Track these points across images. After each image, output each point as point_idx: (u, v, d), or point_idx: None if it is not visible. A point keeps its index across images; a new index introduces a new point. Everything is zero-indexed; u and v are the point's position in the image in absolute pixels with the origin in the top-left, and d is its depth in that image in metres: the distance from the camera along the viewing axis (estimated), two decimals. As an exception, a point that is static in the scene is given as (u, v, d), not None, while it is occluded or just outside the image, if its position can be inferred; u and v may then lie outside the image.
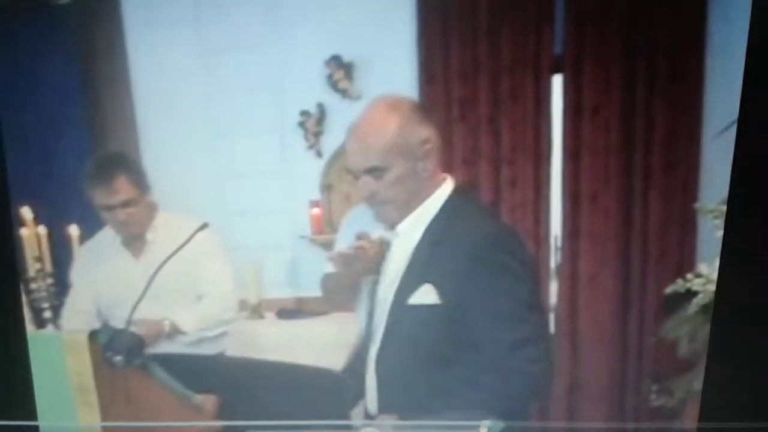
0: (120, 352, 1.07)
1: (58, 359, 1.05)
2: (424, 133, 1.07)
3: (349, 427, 1.15)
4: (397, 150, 1.06)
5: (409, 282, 1.10)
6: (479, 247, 1.08)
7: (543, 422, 1.24)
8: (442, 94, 1.24)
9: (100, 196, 1.19)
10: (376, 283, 1.15)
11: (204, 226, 1.16)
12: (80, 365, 1.05)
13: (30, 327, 1.35)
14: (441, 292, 1.08)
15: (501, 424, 1.08)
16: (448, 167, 1.18)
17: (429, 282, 1.09)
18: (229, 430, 1.13)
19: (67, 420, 1.10)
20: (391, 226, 1.11)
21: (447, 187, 1.09)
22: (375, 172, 1.05)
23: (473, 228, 1.10)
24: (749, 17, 0.95)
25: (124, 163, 1.19)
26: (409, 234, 1.13)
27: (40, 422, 1.15)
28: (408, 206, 1.10)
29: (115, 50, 1.17)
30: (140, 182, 1.19)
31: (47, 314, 1.33)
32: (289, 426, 1.12)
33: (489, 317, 1.07)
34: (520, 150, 1.27)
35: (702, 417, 1.12)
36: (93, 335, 1.06)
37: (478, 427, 1.09)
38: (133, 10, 1.16)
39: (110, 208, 1.20)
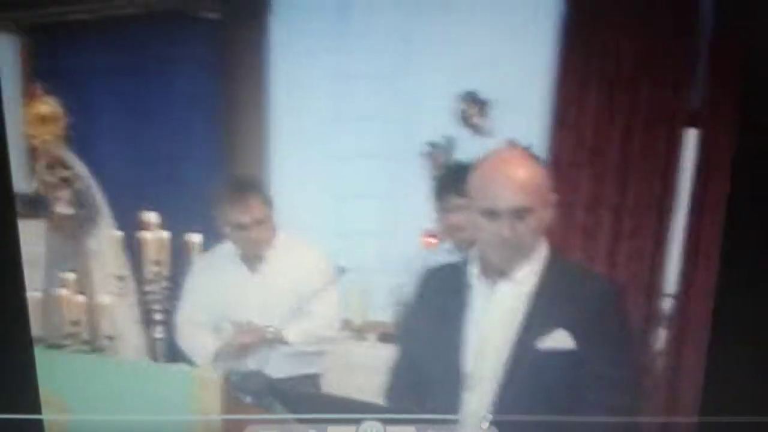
0: (250, 392, 1.10)
1: (187, 394, 1.08)
2: (549, 185, 1.06)
3: (351, 420, 1.16)
4: (536, 192, 1.05)
5: (537, 327, 1.10)
6: (599, 296, 1.07)
7: (544, 416, 1.21)
8: (573, 139, 1.23)
9: (232, 214, 1.22)
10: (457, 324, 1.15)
11: (342, 271, 1.18)
12: (210, 402, 1.08)
13: (140, 327, 1.40)
14: (574, 336, 1.07)
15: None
16: (568, 213, 1.18)
17: (561, 327, 1.08)
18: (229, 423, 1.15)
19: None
20: (502, 272, 1.11)
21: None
22: (521, 212, 1.04)
23: (592, 275, 1.09)
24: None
25: (258, 184, 1.23)
26: (524, 281, 1.11)
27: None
28: (528, 252, 1.09)
29: (255, 71, 1.20)
30: (270, 203, 1.22)
31: (158, 316, 1.37)
32: (293, 419, 1.13)
33: (607, 363, 1.06)
34: (645, 201, 1.25)
35: (702, 411, 1.10)
36: (225, 375, 1.10)
37: (479, 421, 1.09)
38: (278, 34, 1.18)
39: (242, 226, 1.22)
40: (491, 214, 1.03)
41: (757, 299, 1.07)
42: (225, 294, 1.30)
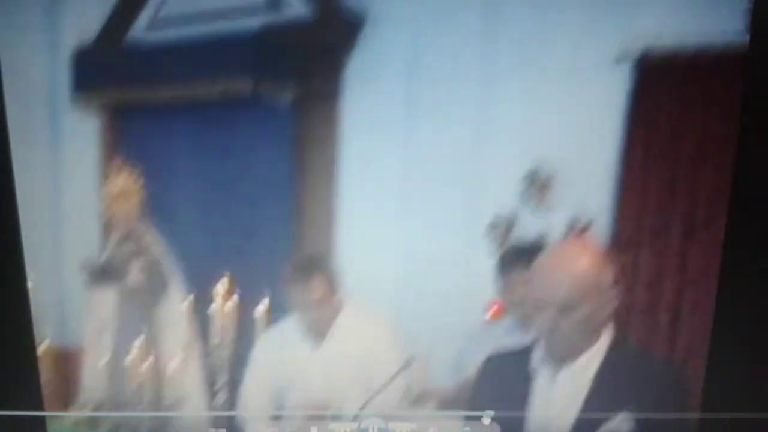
0: None
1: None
2: (610, 276, 1.08)
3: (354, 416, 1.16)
4: (587, 290, 1.07)
5: (599, 410, 1.10)
6: (661, 378, 1.08)
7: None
8: (634, 220, 1.24)
9: (295, 292, 1.26)
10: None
11: (410, 362, 1.20)
12: (351, 427, 1.11)
13: (202, 392, 1.43)
14: (638, 418, 1.08)
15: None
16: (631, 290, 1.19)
17: (624, 410, 1.09)
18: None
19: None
20: (564, 358, 1.12)
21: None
22: (563, 309, 1.06)
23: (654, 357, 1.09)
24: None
25: (323, 264, 1.26)
26: (586, 367, 1.13)
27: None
28: (587, 340, 1.11)
29: (327, 149, 1.24)
30: (334, 282, 1.25)
31: (221, 382, 1.40)
32: (293, 416, 1.13)
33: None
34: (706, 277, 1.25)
35: (703, 407, 1.10)
36: None
37: (480, 417, 1.09)
38: (350, 115, 1.22)
39: (306, 304, 1.26)
40: (539, 304, 1.05)
41: (759, 290, 1.06)
42: (288, 368, 1.33)
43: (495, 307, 1.33)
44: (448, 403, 1.40)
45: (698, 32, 1.15)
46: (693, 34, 1.16)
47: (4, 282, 1.18)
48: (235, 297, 1.32)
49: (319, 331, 1.31)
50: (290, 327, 1.32)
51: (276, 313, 1.32)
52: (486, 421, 1.14)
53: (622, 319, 1.15)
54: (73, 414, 1.28)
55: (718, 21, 1.13)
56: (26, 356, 1.16)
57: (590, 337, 1.10)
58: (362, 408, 1.18)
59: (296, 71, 1.18)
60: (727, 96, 1.15)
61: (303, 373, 1.30)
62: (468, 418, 1.15)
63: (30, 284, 1.29)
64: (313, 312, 1.27)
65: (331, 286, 1.26)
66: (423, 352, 1.36)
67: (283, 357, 1.31)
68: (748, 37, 1.08)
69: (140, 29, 1.18)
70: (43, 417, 1.18)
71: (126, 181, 1.29)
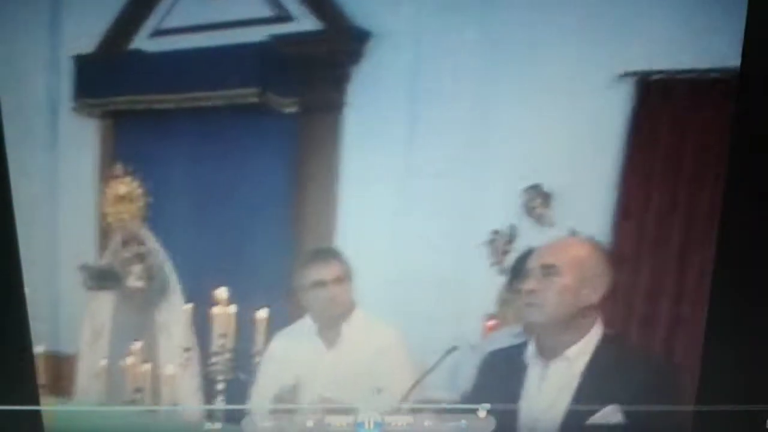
0: None
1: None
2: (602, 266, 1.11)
3: (350, 409, 1.19)
4: (577, 281, 1.11)
5: (587, 404, 1.15)
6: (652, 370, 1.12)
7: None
8: (635, 231, 1.26)
9: (312, 274, 1.28)
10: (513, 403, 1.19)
11: (453, 350, 1.22)
12: (347, 420, 1.12)
13: (201, 397, 1.44)
14: (625, 412, 1.13)
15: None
16: (627, 300, 1.22)
17: (613, 403, 1.14)
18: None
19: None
20: (554, 351, 1.16)
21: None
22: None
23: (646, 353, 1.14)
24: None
25: (337, 252, 1.28)
26: (576, 358, 1.17)
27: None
28: (579, 331, 1.15)
29: (328, 160, 1.25)
30: (349, 267, 1.28)
31: (220, 386, 1.41)
32: (289, 410, 1.15)
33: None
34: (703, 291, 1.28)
35: (698, 400, 1.12)
36: None
37: (476, 409, 1.13)
38: (351, 127, 1.23)
39: (321, 283, 1.28)
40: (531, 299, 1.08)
41: (755, 281, 1.10)
42: (299, 368, 1.34)
43: (492, 323, 1.35)
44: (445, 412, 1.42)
45: (695, 54, 1.18)
46: (691, 56, 1.18)
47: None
48: (235, 304, 1.33)
49: (332, 327, 1.33)
50: (303, 328, 1.34)
51: (276, 321, 1.33)
52: (482, 414, 1.17)
53: (612, 312, 1.18)
54: (71, 409, 1.29)
55: (716, 44, 1.16)
56: (22, 352, 1.16)
57: (579, 330, 1.15)
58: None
59: (301, 82, 1.19)
60: (720, 117, 1.19)
61: (313, 371, 1.32)
62: (464, 411, 1.18)
63: (26, 290, 1.29)
64: (326, 294, 1.29)
65: (345, 269, 1.28)
66: (417, 363, 1.38)
67: (295, 357, 1.32)
68: (740, 61, 1.12)
69: (144, 37, 1.18)
70: (38, 411, 1.18)
71: (127, 187, 1.29)
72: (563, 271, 1.16)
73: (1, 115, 1.17)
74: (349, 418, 1.16)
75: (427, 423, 1.17)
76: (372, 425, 1.17)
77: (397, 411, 1.19)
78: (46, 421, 1.29)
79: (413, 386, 1.23)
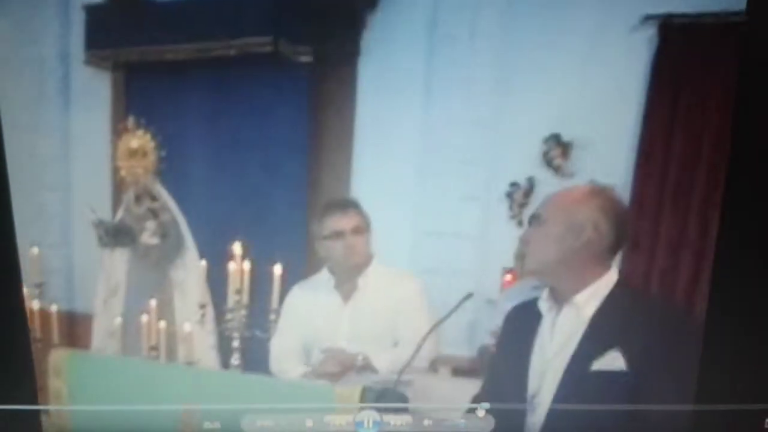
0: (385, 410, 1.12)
1: (324, 410, 1.12)
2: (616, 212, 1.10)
3: (349, 409, 1.19)
4: (589, 225, 1.10)
5: (592, 349, 1.15)
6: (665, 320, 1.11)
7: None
8: (656, 179, 1.24)
9: (332, 224, 1.27)
10: (527, 351, 1.19)
11: (469, 296, 1.21)
12: (346, 419, 1.12)
13: (216, 354, 1.43)
14: (628, 359, 1.13)
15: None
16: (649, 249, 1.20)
17: (616, 349, 1.13)
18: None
19: None
20: (564, 298, 1.15)
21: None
22: (566, 247, 1.07)
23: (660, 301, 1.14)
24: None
25: (355, 203, 1.27)
26: (585, 304, 1.17)
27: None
28: (588, 278, 1.14)
29: (344, 111, 1.23)
30: (367, 218, 1.27)
31: (236, 343, 1.40)
32: (285, 410, 1.15)
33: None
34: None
35: (698, 399, 1.12)
36: (363, 392, 1.13)
37: (475, 409, 1.12)
38: (367, 77, 1.21)
39: (340, 234, 1.27)
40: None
41: (754, 279, 1.09)
42: (317, 322, 1.34)
43: (509, 276, 1.34)
44: (463, 370, 1.41)
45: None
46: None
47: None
48: (250, 259, 1.32)
49: (349, 279, 1.32)
50: (320, 281, 1.33)
51: (292, 276, 1.32)
52: (480, 413, 1.16)
53: (637, 275, 1.17)
54: (70, 408, 1.28)
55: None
56: (21, 350, 1.16)
57: (592, 275, 1.15)
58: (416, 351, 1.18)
59: (316, 31, 1.16)
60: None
61: (332, 326, 1.32)
62: (462, 410, 1.17)
63: (35, 250, 1.28)
64: (345, 244, 1.28)
65: (363, 219, 1.26)
66: (435, 317, 1.37)
67: (313, 310, 1.32)
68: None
69: (157, -15, 1.16)
70: (38, 411, 1.17)
71: (139, 141, 1.28)
72: (548, 219, 1.16)
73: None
74: (348, 417, 1.15)
75: (426, 422, 1.16)
76: (371, 424, 1.16)
77: (395, 410, 1.18)
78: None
79: (428, 333, 1.22)
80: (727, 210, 1.12)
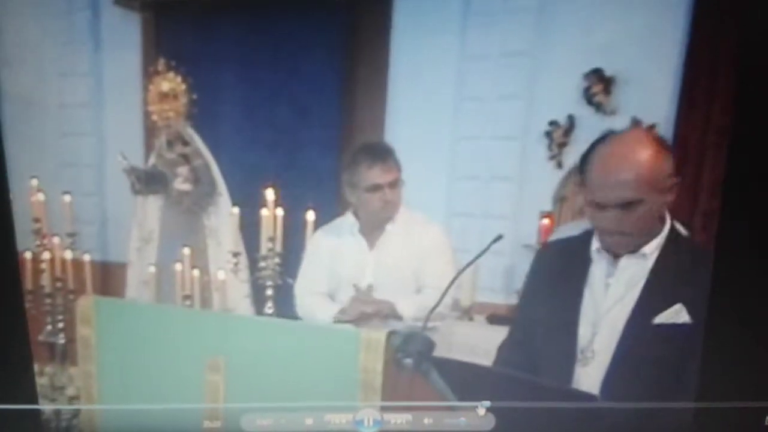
0: (411, 355, 1.11)
1: (351, 355, 1.11)
2: (670, 166, 1.06)
3: (349, 408, 1.17)
4: (649, 184, 1.05)
5: (654, 303, 1.11)
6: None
7: (543, 403, 1.20)
8: (700, 121, 1.20)
9: (370, 176, 1.23)
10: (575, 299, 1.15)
11: (499, 238, 1.18)
12: (372, 363, 1.11)
13: (250, 303, 1.43)
14: (692, 311, 1.09)
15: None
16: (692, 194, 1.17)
17: (680, 302, 1.09)
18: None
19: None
20: (618, 254, 1.11)
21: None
22: (628, 206, 1.04)
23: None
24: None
25: (390, 150, 1.24)
26: (646, 257, 1.13)
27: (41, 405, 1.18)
28: (645, 235, 1.10)
29: (379, 51, 1.20)
30: (401, 168, 1.23)
31: (269, 292, 1.39)
32: (284, 408, 1.13)
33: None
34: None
35: (699, 397, 1.10)
36: (389, 336, 1.11)
37: (476, 407, 1.10)
38: (402, 14, 1.17)
39: (378, 187, 1.24)
40: (597, 206, 1.04)
41: (755, 278, 1.06)
42: (343, 266, 1.32)
43: (547, 221, 1.31)
44: (499, 317, 1.40)
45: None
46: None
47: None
48: (283, 205, 1.30)
49: (376, 226, 1.29)
50: (345, 225, 1.31)
51: (324, 223, 1.31)
52: (481, 411, 1.14)
53: (683, 216, 1.13)
54: (69, 408, 1.27)
55: None
56: (21, 350, 1.15)
57: (641, 234, 1.10)
58: (444, 293, 1.16)
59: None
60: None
61: (357, 271, 1.30)
62: (463, 408, 1.15)
63: (67, 198, 1.27)
64: (380, 197, 1.25)
65: (399, 171, 1.24)
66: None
67: (338, 255, 1.30)
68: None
69: None
70: (38, 411, 1.17)
71: (170, 83, 1.26)
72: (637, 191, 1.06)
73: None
74: (348, 416, 1.14)
75: (426, 421, 1.14)
76: (371, 423, 1.14)
77: (396, 409, 1.15)
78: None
79: (456, 276, 1.19)
80: (727, 209, 1.08)
